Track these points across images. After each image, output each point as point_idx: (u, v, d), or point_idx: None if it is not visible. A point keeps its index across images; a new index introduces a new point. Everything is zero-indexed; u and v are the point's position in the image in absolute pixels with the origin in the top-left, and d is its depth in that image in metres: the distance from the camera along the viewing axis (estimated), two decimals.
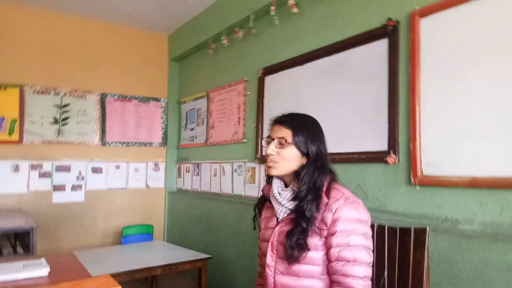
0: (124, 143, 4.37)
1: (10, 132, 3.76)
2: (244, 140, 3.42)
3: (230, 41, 3.60)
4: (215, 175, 3.85)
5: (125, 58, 4.42)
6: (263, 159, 3.16)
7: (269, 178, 1.40)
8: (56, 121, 3.99)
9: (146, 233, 3.97)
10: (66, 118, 4.04)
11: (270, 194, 1.37)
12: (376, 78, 2.27)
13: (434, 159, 1.92)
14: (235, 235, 3.38)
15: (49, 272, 1.33)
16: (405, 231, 1.35)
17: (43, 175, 3.87)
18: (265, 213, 1.45)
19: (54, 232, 3.86)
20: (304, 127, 1.32)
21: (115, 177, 4.27)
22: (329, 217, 1.21)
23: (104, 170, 4.21)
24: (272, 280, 1.28)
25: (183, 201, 4.35)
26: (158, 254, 3.17)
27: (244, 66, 3.52)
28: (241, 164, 3.46)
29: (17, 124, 3.79)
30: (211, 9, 3.88)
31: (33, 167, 3.83)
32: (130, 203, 4.36)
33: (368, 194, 2.23)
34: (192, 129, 4.39)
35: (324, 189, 1.26)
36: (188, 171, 4.36)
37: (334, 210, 1.21)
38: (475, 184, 1.75)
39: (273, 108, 3.11)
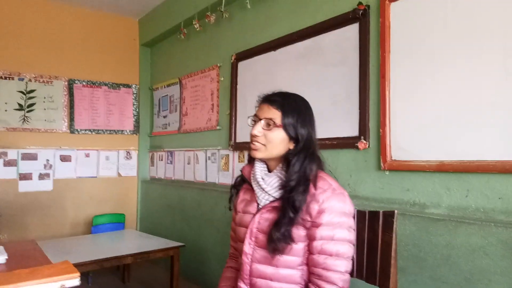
0: (94, 130, 4.23)
1: None
2: (218, 127, 3.38)
3: (202, 25, 3.52)
4: (188, 163, 3.79)
5: (93, 43, 4.25)
6: (237, 146, 3.13)
7: (251, 159, 1.32)
8: (21, 107, 3.82)
9: (117, 222, 3.88)
10: (31, 105, 3.87)
11: (252, 177, 1.29)
12: (347, 62, 2.27)
13: (403, 144, 1.94)
14: (209, 223, 3.35)
15: (7, 259, 1.26)
16: (374, 215, 1.35)
17: (8, 163, 3.70)
18: (242, 195, 1.36)
19: (20, 221, 3.72)
20: (295, 109, 1.22)
21: (84, 165, 4.14)
22: (314, 208, 1.15)
23: (73, 158, 4.07)
24: (248, 267, 1.23)
25: (156, 189, 4.28)
26: (130, 243, 3.11)
27: (217, 52, 3.46)
28: (214, 152, 3.42)
29: None
30: None
31: None
32: (101, 192, 4.25)
33: (339, 180, 2.20)
34: (165, 117, 4.30)
35: (312, 178, 1.18)
36: (161, 159, 4.29)
37: (320, 201, 1.15)
38: (442, 168, 1.77)
39: (247, 94, 3.07)
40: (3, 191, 3.67)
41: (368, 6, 2.14)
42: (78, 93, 4.16)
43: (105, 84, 4.34)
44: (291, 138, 1.21)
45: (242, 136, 3.10)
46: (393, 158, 1.97)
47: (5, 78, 3.74)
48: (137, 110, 4.53)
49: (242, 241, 1.26)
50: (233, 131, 3.18)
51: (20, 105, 3.81)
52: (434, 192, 1.83)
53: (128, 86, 4.50)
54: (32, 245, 1.52)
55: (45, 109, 3.94)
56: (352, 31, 2.24)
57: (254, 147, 1.23)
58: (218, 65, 3.42)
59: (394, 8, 2.00)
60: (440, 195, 1.81)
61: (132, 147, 4.51)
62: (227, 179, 3.24)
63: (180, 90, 4.01)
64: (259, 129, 1.21)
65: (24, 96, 3.84)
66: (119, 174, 4.39)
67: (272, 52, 2.85)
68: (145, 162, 4.54)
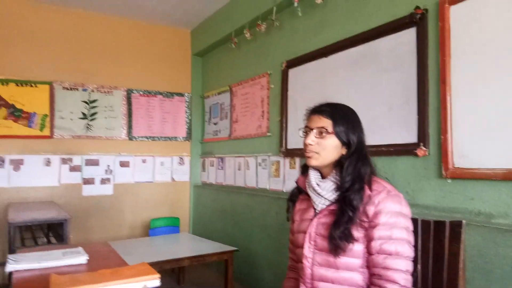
0: (150, 137, 4.45)
1: (41, 127, 3.89)
2: (268, 134, 3.43)
3: (253, 34, 3.59)
4: (239, 169, 3.88)
5: (149, 54, 4.48)
6: (288, 153, 3.15)
7: (304, 170, 1.38)
8: (84, 116, 4.10)
9: (173, 226, 4.05)
10: (94, 114, 4.15)
11: (307, 186, 1.35)
12: (404, 68, 2.23)
13: (466, 151, 1.87)
14: (261, 228, 3.40)
15: (88, 260, 1.37)
16: (439, 225, 1.32)
17: (73, 168, 3.99)
18: (299, 205, 1.42)
19: (84, 223, 3.99)
20: (344, 117, 1.29)
21: (142, 171, 4.36)
22: (371, 210, 1.19)
23: (131, 164, 4.30)
24: (310, 271, 1.27)
25: (207, 194, 4.40)
26: (185, 246, 3.23)
27: (267, 60, 3.51)
28: (265, 158, 3.47)
29: (47, 120, 3.91)
30: (233, 3, 3.87)
31: (63, 161, 3.96)
32: (156, 196, 4.45)
33: (397, 188, 2.18)
34: (215, 124, 4.42)
35: (366, 181, 1.23)
36: (212, 165, 4.41)
37: (376, 203, 1.19)
38: (509, 176, 1.69)
39: (298, 101, 3.09)
40: (69, 195, 3.95)
41: (426, 10, 2.09)
42: (136, 102, 4.40)
43: (160, 93, 4.56)
44: (343, 143, 1.27)
45: (293, 142, 3.12)
46: (455, 166, 1.90)
47: (71, 89, 4.05)
48: (190, 117, 4.70)
49: (301, 247, 1.31)
50: (283, 137, 3.22)
51: (83, 114, 4.10)
52: (501, 201, 1.74)
53: (181, 94, 4.69)
54: (106, 246, 1.63)
55: (106, 117, 4.21)
56: (409, 35, 2.20)
57: (309, 155, 1.30)
58: (269, 72, 3.47)
59: (454, 11, 1.94)
60: (508, 204, 1.72)
61: (185, 153, 4.68)
62: (278, 185, 3.28)
63: (230, 98, 4.11)
64: (312, 138, 1.28)
65: (87, 105, 4.13)
66: (172, 179, 4.57)
67: (324, 59, 2.86)
68: (197, 168, 4.70)
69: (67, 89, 4.03)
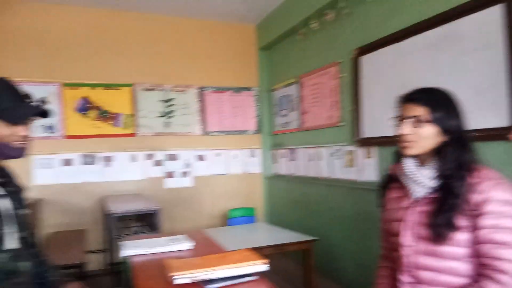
0: (222, 132, 4.65)
1: (126, 126, 4.25)
2: (341, 123, 3.41)
3: (321, 24, 3.57)
4: (311, 160, 3.91)
5: (217, 52, 4.66)
6: (363, 142, 3.12)
7: (397, 157, 1.36)
8: (163, 114, 4.40)
9: (249, 216, 4.21)
10: (171, 112, 4.43)
11: (401, 174, 1.32)
12: (490, 47, 2.09)
13: None
14: (337, 218, 3.41)
15: (193, 246, 1.51)
16: None
17: (156, 163, 4.32)
18: (392, 193, 1.40)
19: (168, 213, 4.29)
20: (441, 102, 1.24)
21: (216, 164, 4.58)
22: (476, 198, 1.15)
23: (207, 158, 4.54)
24: (408, 260, 1.26)
25: (280, 185, 4.50)
26: (265, 235, 3.35)
27: (336, 48, 3.48)
28: (338, 148, 3.46)
29: (131, 119, 4.26)
30: None
31: (147, 156, 4.30)
32: (230, 187, 4.65)
33: None
34: (284, 115, 4.48)
35: (468, 168, 1.19)
36: (284, 157, 4.49)
37: (481, 191, 1.14)
38: None
39: (372, 88, 3.04)
40: (153, 188, 4.29)
41: None
42: (208, 98, 4.61)
43: (230, 89, 4.72)
44: (442, 131, 1.22)
45: (369, 131, 3.07)
46: None
47: (150, 89, 4.35)
48: (259, 111, 4.82)
49: (397, 235, 1.30)
50: (358, 127, 3.18)
51: (162, 112, 4.40)
52: None
53: (249, 89, 4.82)
54: (200, 234, 1.78)
55: (182, 114, 4.47)
56: (495, 13, 2.06)
57: (406, 145, 1.26)
58: (338, 61, 3.44)
59: None
60: None
61: (256, 146, 4.82)
62: (353, 175, 3.26)
63: (298, 89, 4.14)
64: (407, 128, 1.24)
65: (164, 104, 4.42)
66: (245, 171, 4.74)
67: (398, 44, 2.77)
68: (268, 160, 4.81)
69: (147, 90, 4.34)
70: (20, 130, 1.18)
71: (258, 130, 4.83)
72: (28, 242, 1.29)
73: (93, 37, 4.13)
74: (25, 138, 1.21)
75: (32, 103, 1.23)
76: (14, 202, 1.24)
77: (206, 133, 4.56)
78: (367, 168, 3.10)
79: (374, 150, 3.03)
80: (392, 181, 1.41)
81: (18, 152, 1.20)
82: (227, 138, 4.68)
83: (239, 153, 4.72)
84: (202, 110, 4.57)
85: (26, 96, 1.23)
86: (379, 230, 1.49)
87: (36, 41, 3.92)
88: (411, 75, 2.64)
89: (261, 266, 1.10)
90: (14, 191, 1.27)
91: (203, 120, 4.56)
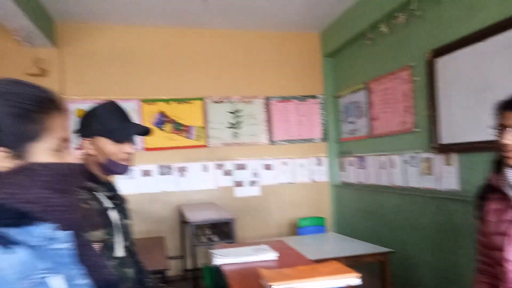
0: (288, 140, 4.68)
1: (198, 138, 4.45)
2: (415, 129, 3.27)
3: (390, 27, 3.47)
4: (382, 167, 3.78)
5: (282, 62, 4.72)
6: (442, 149, 2.96)
7: (497, 166, 1.28)
8: (231, 125, 4.54)
9: (319, 225, 4.17)
10: (239, 122, 4.56)
11: (503, 184, 1.25)
12: None
13: None
14: (416, 229, 3.26)
15: (278, 256, 1.54)
16: None
17: (226, 173, 4.46)
18: (492, 205, 1.31)
19: (238, 222, 4.39)
20: None
21: (283, 172, 4.62)
22: None
23: (274, 167, 4.60)
24: None
25: (349, 194, 4.41)
26: (338, 245, 3.29)
27: (408, 51, 3.36)
28: (413, 155, 3.32)
29: (202, 131, 4.45)
30: (363, 0, 3.80)
31: (217, 166, 4.46)
32: (298, 196, 4.65)
33: None
34: (352, 122, 4.40)
35: None
36: (352, 165, 4.40)
37: None
38: None
39: (450, 92, 2.88)
40: (224, 196, 4.43)
41: None
42: (273, 108, 4.68)
43: (295, 97, 4.75)
44: None
45: (448, 137, 2.91)
46: None
47: (218, 102, 4.52)
48: (324, 118, 4.79)
49: (500, 249, 1.22)
50: (434, 132, 3.03)
51: (230, 123, 4.54)
52: None
53: (314, 96, 4.81)
54: (280, 243, 1.81)
55: (249, 125, 4.58)
56: None
57: (509, 155, 1.20)
58: (410, 65, 3.31)
59: None
60: None
61: (322, 154, 4.78)
62: (431, 183, 3.10)
63: (367, 95, 4.04)
64: (509, 137, 1.18)
65: (232, 115, 4.56)
66: (312, 180, 4.71)
67: (479, 44, 2.61)
68: (335, 168, 4.74)
69: (216, 102, 4.52)
70: (125, 148, 1.30)
71: (324, 138, 4.79)
72: (130, 250, 1.41)
73: (166, 55, 4.41)
74: (130, 155, 1.33)
75: (135, 123, 1.35)
76: (120, 213, 1.37)
77: (272, 142, 4.62)
78: (447, 176, 2.94)
79: (454, 157, 2.86)
80: (491, 191, 1.33)
81: (124, 169, 1.33)
82: (293, 147, 4.70)
83: (305, 161, 4.71)
84: (268, 120, 4.64)
85: (129, 117, 1.36)
86: (465, 242, 1.42)
87: (117, 61, 4.27)
88: (494, 77, 2.47)
89: (354, 279, 1.10)
90: (120, 203, 1.40)
91: (270, 130, 4.63)
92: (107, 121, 1.28)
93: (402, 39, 3.44)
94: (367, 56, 4.04)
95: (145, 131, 1.35)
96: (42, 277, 0.62)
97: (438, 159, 3.02)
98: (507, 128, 1.19)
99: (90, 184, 1.28)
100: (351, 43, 4.29)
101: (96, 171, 1.31)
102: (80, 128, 1.31)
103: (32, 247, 0.63)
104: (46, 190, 0.66)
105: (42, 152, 0.67)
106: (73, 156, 0.75)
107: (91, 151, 1.29)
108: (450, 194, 2.87)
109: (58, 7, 3.77)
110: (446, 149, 2.92)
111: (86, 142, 1.29)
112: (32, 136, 0.66)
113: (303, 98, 4.78)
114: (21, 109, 0.65)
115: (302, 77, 4.79)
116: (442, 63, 2.96)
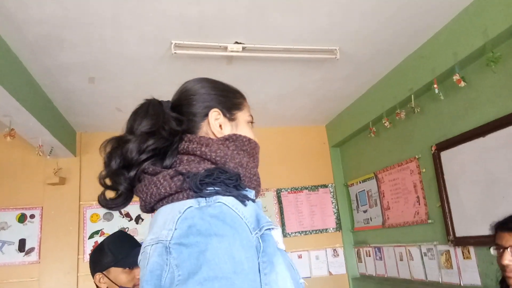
0: (301, 232, 4.63)
1: None
2: (429, 221, 3.25)
3: (392, 122, 3.65)
4: (401, 259, 3.68)
5: (291, 154, 4.87)
6: (458, 241, 2.92)
7: (505, 286, 1.31)
8: None
9: None
10: None
11: None
12: None
13: None
14: None
15: None
16: None
17: None
18: None
19: None
20: None
21: (298, 266, 4.47)
22: None
23: None
24: None
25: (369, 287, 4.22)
26: None
27: (413, 144, 3.48)
28: (430, 247, 3.25)
29: None
30: (365, 98, 4.04)
31: None
32: None
33: None
34: (365, 211, 4.39)
35: None
36: (369, 255, 4.28)
37: None
38: None
39: (457, 184, 2.93)
40: None
41: None
42: (285, 200, 4.72)
43: (306, 188, 4.81)
44: None
45: (462, 230, 2.89)
46: None
47: None
48: (337, 207, 4.78)
49: None
50: (448, 225, 3.01)
51: None
52: None
53: (325, 186, 4.87)
54: None
55: None
56: None
57: (510, 274, 1.24)
58: (417, 157, 3.41)
59: None
60: None
61: (338, 244, 4.68)
62: (453, 277, 2.99)
63: (377, 184, 4.09)
64: (509, 258, 1.22)
65: None
66: (330, 273, 4.55)
67: (481, 139, 2.72)
68: (352, 259, 4.61)
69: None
70: (138, 274, 1.34)
71: (338, 228, 4.73)
72: None
73: None
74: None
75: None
76: None
77: (285, 235, 4.57)
78: (468, 270, 2.85)
79: (472, 250, 2.81)
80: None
81: None
82: (307, 238, 4.63)
83: (320, 253, 4.60)
84: (281, 212, 4.65)
85: (138, 242, 1.40)
86: None
87: None
88: (499, 172, 2.53)
89: None
90: None
91: (282, 222, 4.61)
92: (117, 250, 1.33)
93: (405, 133, 3.59)
94: (373, 147, 4.18)
95: None
96: (267, 229, 0.76)
97: (456, 252, 2.96)
98: (505, 250, 1.22)
99: None
100: (356, 135, 4.46)
101: None
102: (92, 266, 1.36)
103: (257, 205, 0.80)
104: (247, 159, 0.87)
105: (242, 120, 0.95)
106: None
107: (103, 285, 1.32)
108: None
109: (80, 120, 4.00)
110: (462, 241, 2.87)
111: (98, 277, 1.33)
112: (239, 106, 0.96)
113: (314, 188, 4.83)
114: (228, 91, 0.99)
115: (312, 168, 4.90)
116: (447, 156, 3.05)
